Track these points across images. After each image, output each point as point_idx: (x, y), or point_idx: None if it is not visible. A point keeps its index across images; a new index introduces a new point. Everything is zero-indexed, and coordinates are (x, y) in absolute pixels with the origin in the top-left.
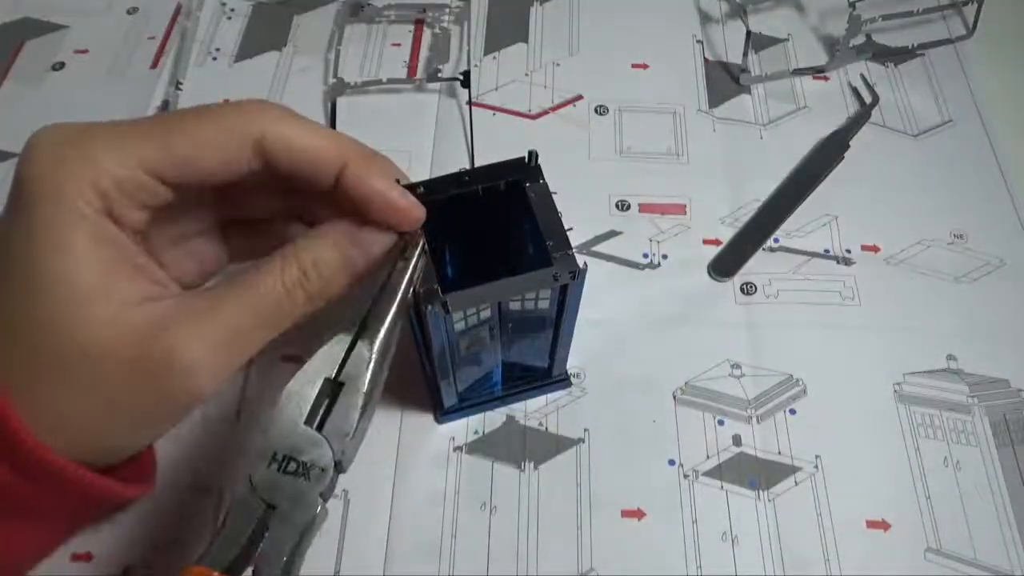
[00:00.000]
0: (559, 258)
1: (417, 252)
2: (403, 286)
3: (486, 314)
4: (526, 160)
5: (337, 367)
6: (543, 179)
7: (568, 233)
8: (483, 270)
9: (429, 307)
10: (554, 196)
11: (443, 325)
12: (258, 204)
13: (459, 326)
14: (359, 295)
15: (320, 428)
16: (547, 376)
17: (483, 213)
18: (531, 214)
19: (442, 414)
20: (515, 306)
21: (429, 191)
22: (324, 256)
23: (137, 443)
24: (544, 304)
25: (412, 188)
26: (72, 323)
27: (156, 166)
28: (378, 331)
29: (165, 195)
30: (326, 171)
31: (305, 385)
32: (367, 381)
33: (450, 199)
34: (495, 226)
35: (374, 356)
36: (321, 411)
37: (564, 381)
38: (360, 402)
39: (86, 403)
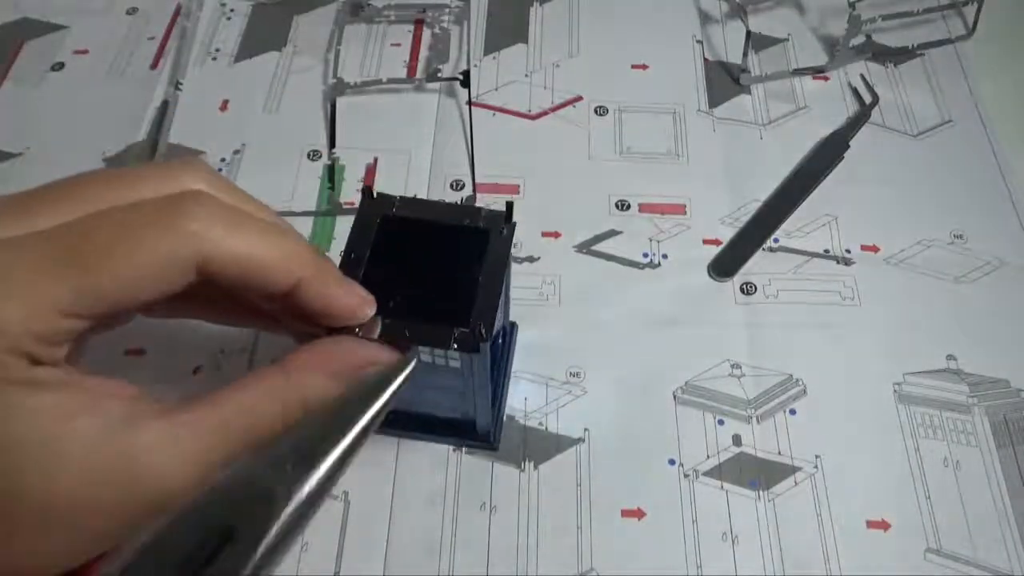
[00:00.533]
0: (471, 326)
1: (407, 370)
2: (373, 410)
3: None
4: (506, 211)
5: (239, 506)
6: (511, 235)
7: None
8: (407, 302)
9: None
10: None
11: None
12: (194, 308)
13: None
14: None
15: None
16: (471, 430)
17: (438, 246)
18: (480, 265)
19: None
20: (424, 356)
21: (399, 207)
22: (321, 388)
23: None
24: (455, 364)
25: (388, 201)
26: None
27: (77, 309)
28: (322, 460)
29: (88, 325)
30: (278, 285)
31: (187, 523)
32: (272, 533)
33: (410, 223)
34: (443, 264)
35: (300, 496)
36: (197, 566)
37: (485, 443)
38: (250, 562)
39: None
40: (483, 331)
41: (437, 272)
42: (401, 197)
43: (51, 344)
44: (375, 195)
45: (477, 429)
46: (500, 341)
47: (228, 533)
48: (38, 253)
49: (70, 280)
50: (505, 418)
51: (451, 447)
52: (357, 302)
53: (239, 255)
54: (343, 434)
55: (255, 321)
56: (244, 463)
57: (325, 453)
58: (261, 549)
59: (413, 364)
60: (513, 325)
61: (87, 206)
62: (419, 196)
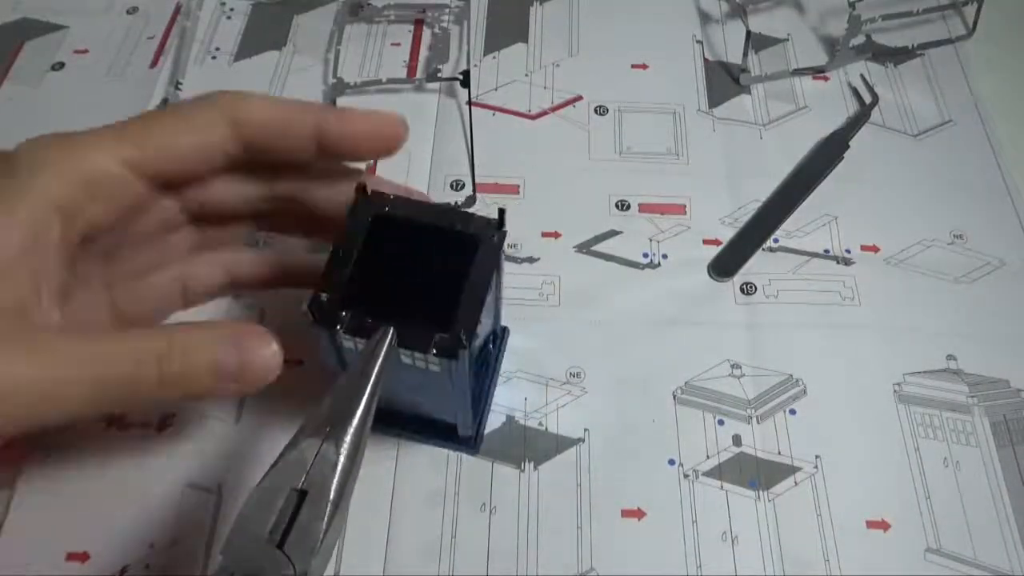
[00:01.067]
0: (450, 331)
1: (385, 345)
2: (371, 383)
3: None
4: (498, 219)
5: (304, 474)
6: (502, 243)
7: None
8: (392, 302)
9: (311, 320)
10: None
11: (326, 337)
12: (234, 202)
13: (348, 345)
14: (328, 395)
15: (283, 544)
16: (452, 432)
17: (428, 249)
18: (468, 272)
19: None
20: (406, 359)
21: (393, 207)
22: (196, 344)
23: None
24: (435, 368)
25: (382, 197)
26: None
27: (135, 159)
28: (346, 432)
29: (141, 193)
30: (303, 132)
31: (268, 494)
32: (333, 489)
33: (402, 222)
34: (431, 267)
35: (341, 460)
36: (284, 524)
37: (468, 444)
38: (325, 512)
39: None
40: (464, 338)
41: (424, 275)
42: (395, 196)
43: (103, 195)
44: (369, 192)
45: (458, 432)
46: (489, 346)
47: (303, 494)
48: (109, 127)
49: (131, 136)
50: (505, 418)
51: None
52: (384, 120)
53: (263, 105)
54: (358, 401)
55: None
56: (297, 437)
57: (351, 414)
58: (330, 498)
59: (389, 339)
60: (504, 330)
61: None
62: None
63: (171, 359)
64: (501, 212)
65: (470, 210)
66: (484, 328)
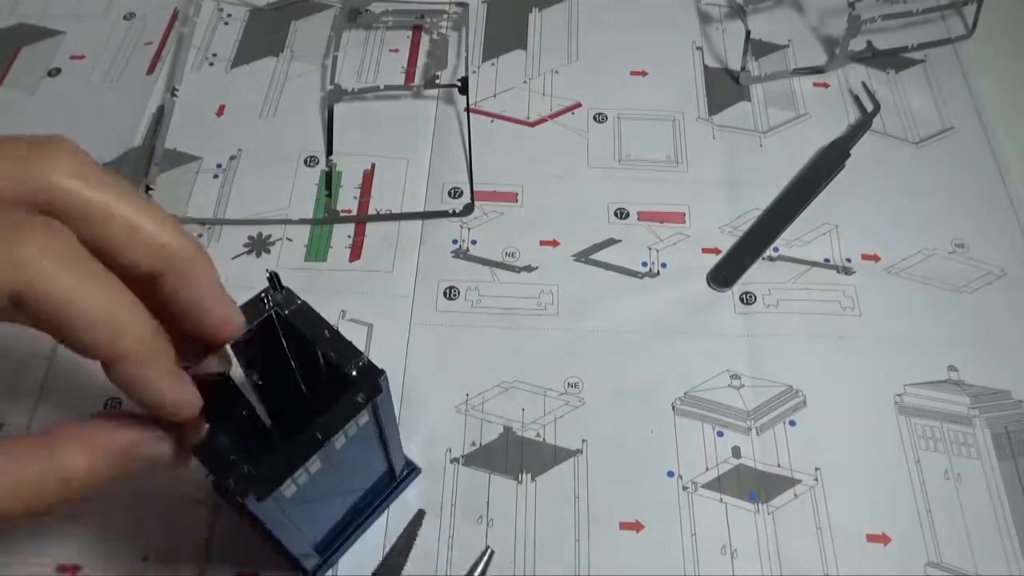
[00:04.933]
0: (357, 373)
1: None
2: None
3: (316, 466)
4: (269, 284)
5: None
6: (297, 299)
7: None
8: (296, 415)
9: (248, 498)
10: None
11: (272, 507)
12: None
13: (290, 492)
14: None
15: None
16: (393, 479)
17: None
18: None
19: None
20: (340, 442)
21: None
22: (83, 468)
23: None
24: (364, 419)
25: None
26: None
27: None
28: None
29: None
30: (94, 352)
31: None
32: None
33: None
34: (291, 361)
35: None
36: None
37: (413, 472)
38: None
39: None
40: (367, 362)
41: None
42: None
43: None
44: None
45: (395, 470)
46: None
47: None
48: None
49: None
50: (503, 429)
51: (448, 460)
52: (177, 404)
53: (60, 297)
54: None
55: None
56: None
57: None
58: None
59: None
60: (415, 469)
61: None
62: (417, 203)
63: (51, 486)
64: (271, 275)
65: (464, 218)
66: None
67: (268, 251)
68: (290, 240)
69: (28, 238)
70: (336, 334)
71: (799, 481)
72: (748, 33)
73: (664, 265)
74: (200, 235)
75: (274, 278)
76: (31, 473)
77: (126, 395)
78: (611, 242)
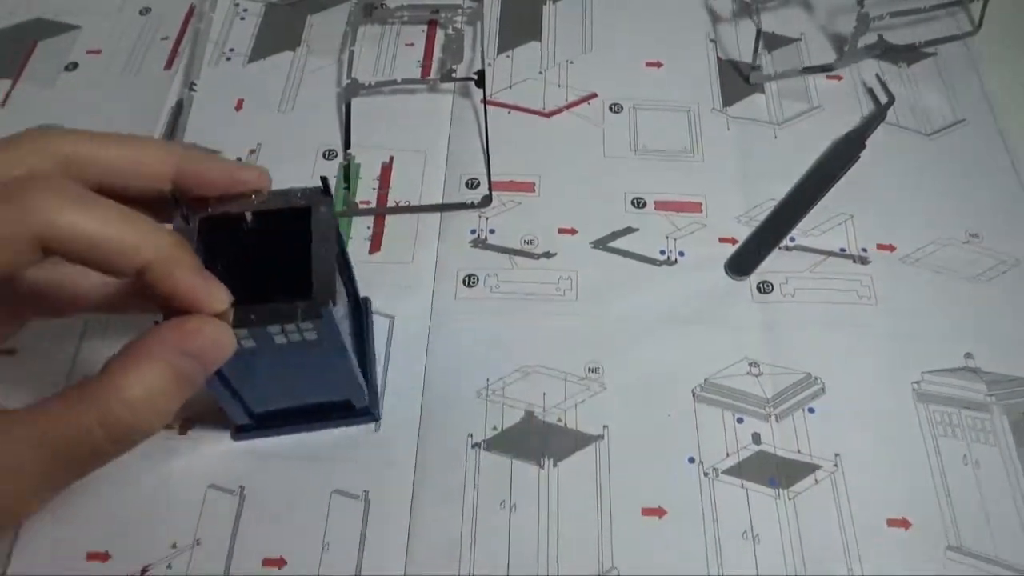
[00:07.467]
0: (314, 296)
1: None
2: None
3: (249, 343)
4: (321, 188)
5: None
6: (331, 210)
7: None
8: (248, 293)
9: None
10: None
11: None
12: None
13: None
14: None
15: None
16: (348, 410)
17: (264, 235)
18: (309, 242)
19: (235, 432)
20: (279, 338)
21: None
22: (132, 384)
23: None
24: (312, 336)
25: (201, 203)
26: None
27: None
28: None
29: None
30: (124, 265)
31: None
32: None
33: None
34: (282, 253)
35: None
36: None
37: (366, 414)
38: None
39: None
40: (321, 298)
41: (270, 258)
42: (218, 197)
43: None
44: (178, 201)
45: (354, 404)
46: (363, 317)
47: None
48: None
49: None
50: (524, 413)
51: (470, 445)
52: (205, 291)
53: (81, 232)
54: None
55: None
56: None
57: None
58: None
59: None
60: (366, 300)
61: None
62: (435, 194)
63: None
64: (324, 180)
65: (482, 209)
66: (344, 295)
67: None
68: None
69: (42, 187)
70: (330, 256)
71: (819, 467)
72: (759, 31)
73: (682, 254)
74: None
75: (325, 181)
76: (89, 414)
77: (162, 305)
78: (629, 230)
